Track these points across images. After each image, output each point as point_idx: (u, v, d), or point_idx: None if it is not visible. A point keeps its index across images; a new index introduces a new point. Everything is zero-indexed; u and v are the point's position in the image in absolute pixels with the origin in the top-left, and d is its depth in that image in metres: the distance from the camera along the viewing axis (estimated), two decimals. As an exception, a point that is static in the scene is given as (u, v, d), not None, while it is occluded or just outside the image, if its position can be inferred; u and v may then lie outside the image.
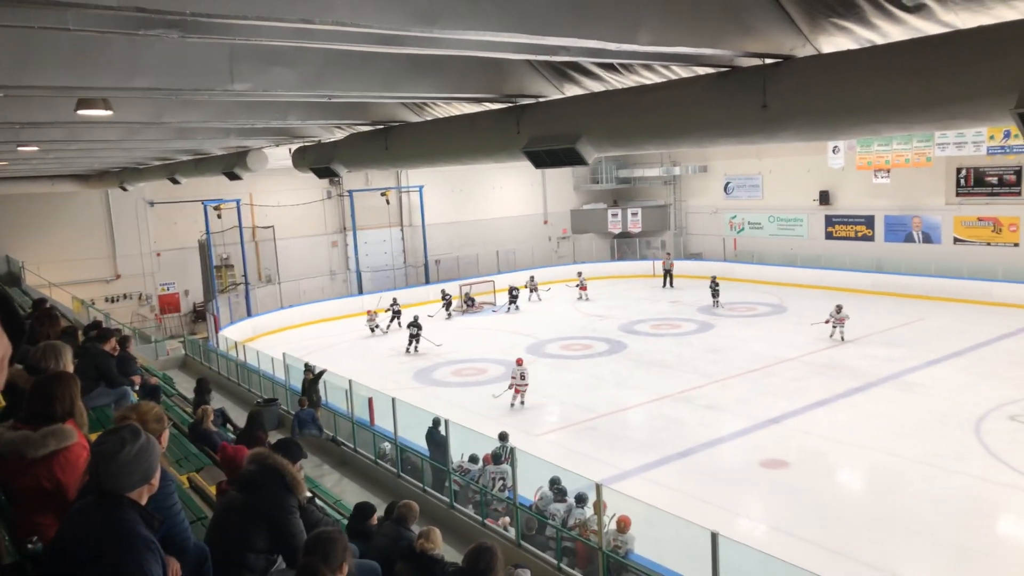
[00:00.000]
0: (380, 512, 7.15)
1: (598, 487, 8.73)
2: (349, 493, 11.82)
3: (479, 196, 36.58)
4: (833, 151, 29.04)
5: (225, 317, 26.06)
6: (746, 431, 14.82)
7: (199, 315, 29.49)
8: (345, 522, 7.34)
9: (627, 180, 39.33)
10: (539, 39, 4.46)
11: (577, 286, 31.04)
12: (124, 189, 24.61)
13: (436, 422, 12.06)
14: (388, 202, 33.22)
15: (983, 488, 11.90)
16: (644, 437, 15.18)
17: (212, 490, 5.86)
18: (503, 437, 11.89)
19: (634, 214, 37.75)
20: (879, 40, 5.08)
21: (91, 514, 2.57)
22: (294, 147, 13.66)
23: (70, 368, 4.44)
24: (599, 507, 8.66)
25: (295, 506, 4.16)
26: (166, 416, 3.92)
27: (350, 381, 14.45)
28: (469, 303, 30.03)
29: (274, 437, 9.58)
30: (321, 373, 15.76)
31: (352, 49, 5.57)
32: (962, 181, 27.64)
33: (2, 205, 25.87)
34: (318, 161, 12.27)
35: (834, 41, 5.30)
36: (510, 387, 16.97)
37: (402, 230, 34.78)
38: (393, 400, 12.44)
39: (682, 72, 6.55)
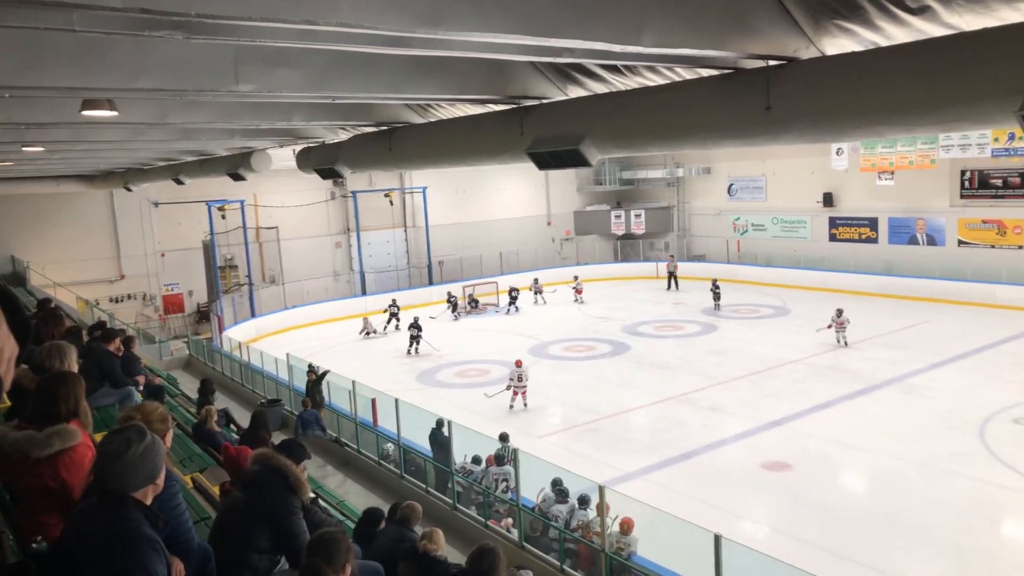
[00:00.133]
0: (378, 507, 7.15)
1: (601, 489, 8.73)
2: (352, 494, 11.82)
3: (482, 197, 36.59)
4: (837, 153, 28.99)
5: (229, 318, 26.10)
6: (749, 433, 14.80)
7: (203, 315, 29.56)
8: (349, 523, 7.35)
9: (630, 182, 39.32)
10: (543, 41, 4.46)
11: (573, 288, 31.02)
12: (128, 189, 24.68)
13: (439, 423, 12.06)
14: (392, 203, 33.26)
15: (986, 491, 11.86)
16: (647, 439, 15.17)
17: (215, 490, 5.87)
18: (503, 438, 11.89)
19: (637, 216, 37.73)
20: (883, 42, 5.08)
21: (96, 514, 2.58)
22: (298, 148, 13.69)
23: (75, 368, 4.46)
24: (602, 509, 8.65)
25: (298, 507, 4.16)
26: (170, 416, 3.93)
27: (353, 382, 14.46)
28: (473, 304, 30.05)
29: (277, 438, 9.61)
30: (324, 374, 15.77)
31: (356, 50, 5.59)
32: (966, 183, 27.58)
33: (7, 205, 25.96)
34: (322, 162, 12.29)
35: (838, 43, 5.29)
36: (507, 388, 16.94)
37: (405, 231, 34.81)
38: (396, 401, 12.44)
39: (686, 74, 6.55)
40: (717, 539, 7.01)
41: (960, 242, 28.04)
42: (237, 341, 22.77)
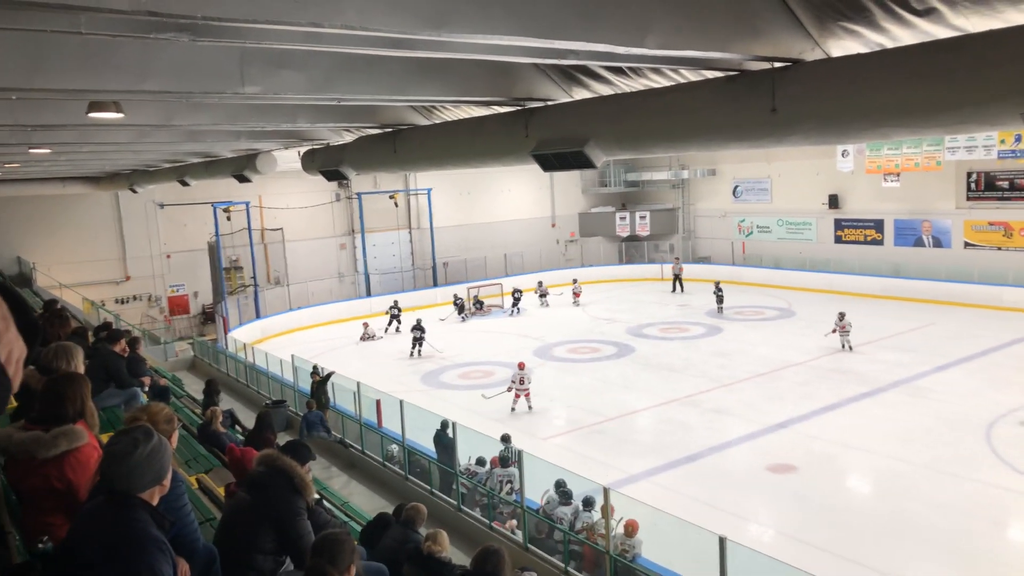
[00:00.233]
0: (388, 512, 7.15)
1: (605, 491, 8.72)
2: (357, 495, 11.83)
3: (487, 199, 36.61)
4: (842, 155, 28.93)
5: (234, 319, 26.16)
6: (754, 435, 14.77)
7: (208, 317, 29.63)
8: (353, 525, 7.35)
9: (635, 183, 39.29)
10: (548, 43, 4.46)
11: (572, 291, 31.00)
12: (134, 191, 24.76)
13: (444, 425, 12.07)
14: (396, 205, 33.30)
15: (992, 494, 11.82)
16: (651, 441, 15.15)
17: (220, 491, 5.88)
18: (505, 439, 11.89)
19: (642, 217, 37.69)
20: (889, 44, 5.07)
21: (102, 514, 2.59)
22: (303, 150, 13.72)
23: (81, 369, 4.47)
24: (606, 511, 8.65)
25: (303, 508, 4.17)
26: (176, 417, 3.94)
27: (358, 383, 14.47)
28: (478, 306, 30.07)
29: (282, 439, 9.63)
30: (329, 375, 15.79)
31: (361, 52, 5.61)
32: (972, 185, 27.50)
33: (14, 207, 26.07)
34: (327, 164, 12.31)
35: (843, 45, 5.28)
36: (508, 389, 16.89)
37: (410, 232, 34.85)
38: (401, 403, 12.45)
39: (691, 76, 6.55)
40: (722, 541, 6.99)
41: (966, 244, 27.95)
42: (242, 342, 22.83)
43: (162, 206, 29.10)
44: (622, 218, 38.07)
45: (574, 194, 39.34)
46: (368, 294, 31.52)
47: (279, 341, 26.06)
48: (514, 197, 37.38)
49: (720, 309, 26.97)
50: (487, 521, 10.33)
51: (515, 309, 29.64)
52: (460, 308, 29.17)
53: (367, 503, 11.03)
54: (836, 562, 9.91)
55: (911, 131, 5.32)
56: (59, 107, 8.15)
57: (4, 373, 1.11)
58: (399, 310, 27.38)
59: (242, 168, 15.80)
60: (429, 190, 33.57)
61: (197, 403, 13.07)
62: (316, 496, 5.03)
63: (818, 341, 21.38)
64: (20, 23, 3.92)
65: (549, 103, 7.84)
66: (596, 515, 9.37)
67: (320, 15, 3.65)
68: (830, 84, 5.33)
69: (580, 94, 7.57)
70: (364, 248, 32.24)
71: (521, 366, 17.04)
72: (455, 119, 9.40)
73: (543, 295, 30.94)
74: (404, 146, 10.19)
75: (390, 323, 26.99)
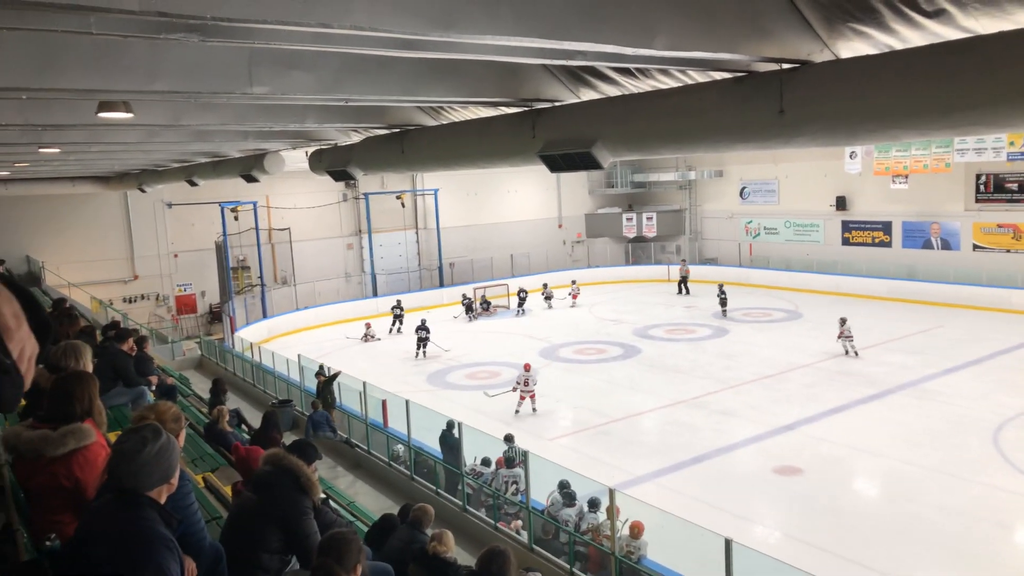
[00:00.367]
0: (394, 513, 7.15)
1: (611, 492, 8.71)
2: (363, 495, 11.85)
3: (494, 200, 36.63)
4: (850, 156, 28.82)
5: (241, 318, 26.23)
6: (760, 437, 14.73)
7: (215, 316, 29.72)
8: (359, 525, 7.36)
9: (642, 184, 39.25)
10: (555, 44, 4.46)
11: (569, 294, 30.94)
12: (143, 191, 24.85)
13: (450, 425, 12.08)
14: (403, 205, 33.36)
15: (1000, 497, 11.76)
16: (657, 442, 15.13)
17: (227, 490, 5.90)
18: (509, 439, 11.88)
19: (649, 218, 37.64)
20: (898, 45, 5.05)
21: (110, 512, 2.60)
22: (311, 150, 13.75)
23: (89, 368, 4.49)
24: (612, 512, 8.64)
25: (309, 507, 4.18)
26: (183, 416, 3.95)
27: (364, 383, 14.50)
28: (485, 306, 30.10)
29: (288, 438, 9.64)
30: (335, 375, 15.82)
31: (369, 53, 5.62)
32: (981, 187, 27.37)
33: (23, 206, 26.21)
34: (334, 164, 12.33)
35: (852, 46, 5.26)
36: (513, 389, 16.84)
37: (417, 233, 34.89)
38: (407, 403, 12.47)
39: (698, 77, 6.54)
40: (728, 543, 6.98)
41: (975, 246, 27.82)
42: (249, 342, 22.89)
43: (170, 206, 29.20)
44: (629, 219, 38.02)
45: (581, 195, 39.31)
46: (375, 294, 31.56)
47: (286, 341, 26.12)
48: (521, 198, 37.38)
49: (724, 312, 26.82)
50: (492, 522, 10.33)
51: (520, 310, 29.65)
52: (468, 307, 29.22)
53: (373, 503, 11.04)
54: (842, 565, 9.88)
55: (920, 133, 5.30)
56: (69, 107, 8.19)
57: (17, 370, 1.12)
58: (402, 310, 27.41)
59: (250, 168, 15.84)
60: (436, 190, 33.61)
61: (204, 402, 13.12)
62: (322, 495, 5.04)
63: (825, 344, 21.30)
64: (30, 23, 3.94)
65: (556, 104, 7.84)
66: (601, 516, 9.36)
67: (329, 16, 3.66)
68: (839, 85, 5.31)
69: (587, 95, 7.57)
70: (371, 248, 32.30)
71: (527, 367, 16.91)
72: (462, 120, 9.41)
73: (548, 297, 30.92)
74: (412, 147, 10.21)
75: (394, 323, 27.02)
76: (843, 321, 20.50)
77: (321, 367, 16.39)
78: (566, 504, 9.80)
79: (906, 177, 28.05)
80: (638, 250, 38.40)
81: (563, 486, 10.04)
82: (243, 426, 12.10)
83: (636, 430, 15.88)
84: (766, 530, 11.23)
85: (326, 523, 4.60)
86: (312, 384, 16.41)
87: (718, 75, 6.26)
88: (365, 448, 13.61)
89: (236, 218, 27.88)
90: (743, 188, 35.58)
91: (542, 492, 10.20)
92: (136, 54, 5.83)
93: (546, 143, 7.84)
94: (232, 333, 24.74)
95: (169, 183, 23.04)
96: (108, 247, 28.52)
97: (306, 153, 14.23)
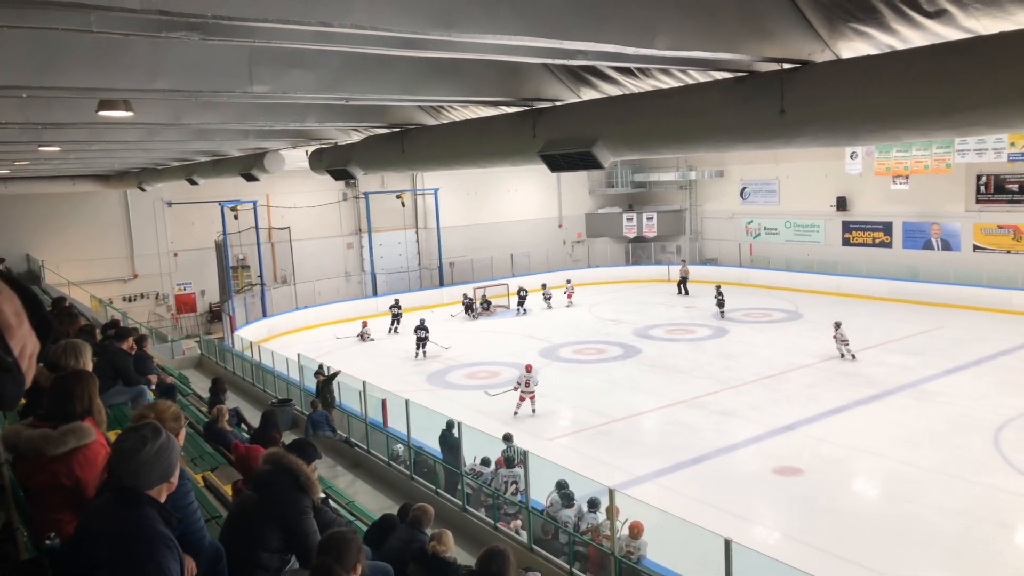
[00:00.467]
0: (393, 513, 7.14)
1: (611, 492, 8.71)
2: (362, 495, 11.85)
3: (494, 199, 36.63)
4: (851, 157, 28.81)
5: (241, 317, 26.23)
6: (760, 438, 14.73)
7: (215, 315, 29.72)
8: (359, 524, 7.36)
9: (643, 184, 39.25)
10: (556, 43, 4.46)
11: (564, 293, 30.94)
12: (142, 189, 24.86)
13: (449, 425, 12.08)
14: (403, 204, 33.36)
15: (1000, 498, 11.76)
16: (657, 442, 15.13)
17: (226, 489, 5.90)
18: (507, 438, 11.87)
19: (649, 218, 37.64)
20: (899, 45, 5.04)
21: (110, 511, 2.60)
22: (311, 149, 13.74)
23: (89, 366, 4.49)
24: (612, 512, 8.64)
25: (309, 506, 4.18)
26: (183, 415, 3.95)
27: (364, 383, 14.49)
28: (485, 306, 30.10)
29: (288, 438, 9.64)
30: (335, 374, 15.82)
31: (370, 52, 5.62)
32: (982, 188, 27.36)
33: (23, 204, 26.21)
34: (334, 163, 12.33)
35: (853, 46, 5.26)
36: (514, 389, 16.81)
37: (417, 232, 34.89)
38: (407, 402, 12.46)
39: (699, 77, 6.53)
40: (728, 544, 6.98)
41: (975, 247, 27.82)
42: (248, 341, 22.89)
43: (170, 204, 29.20)
44: (629, 219, 38.02)
45: (581, 195, 39.31)
46: (375, 294, 31.56)
47: (285, 340, 26.12)
48: (521, 197, 37.38)
49: (722, 313, 26.69)
50: (492, 521, 10.33)
51: (521, 309, 29.66)
52: (468, 307, 29.23)
53: (372, 502, 11.04)
54: (842, 565, 9.88)
55: (921, 133, 5.29)
56: (69, 105, 8.18)
57: (18, 368, 1.11)
58: (400, 309, 27.39)
59: (250, 167, 15.84)
60: (436, 190, 33.61)
61: (203, 401, 13.12)
62: (322, 495, 5.04)
63: (825, 344, 21.25)
64: (31, 21, 3.94)
65: (557, 103, 7.84)
66: (601, 516, 9.36)
67: (330, 15, 3.65)
68: (839, 85, 5.31)
69: (588, 94, 7.56)
70: (371, 247, 32.29)
71: (529, 368, 16.82)
72: (463, 119, 9.41)
73: (547, 297, 30.92)
74: (412, 146, 10.21)
75: (392, 322, 26.99)
76: (837, 325, 20.29)
77: (320, 366, 16.39)
78: (564, 505, 9.80)
79: (907, 178, 28.06)
80: (638, 250, 38.41)
81: (561, 486, 10.04)
82: (242, 425, 12.10)
83: (636, 430, 15.88)
84: (766, 530, 11.23)
85: (326, 522, 4.60)
86: (311, 383, 16.41)
87: (719, 75, 6.26)
88: (365, 447, 13.61)
89: (236, 217, 27.88)
90: (743, 188, 35.58)
91: (542, 492, 10.20)
92: (137, 53, 5.82)
93: (547, 142, 7.84)
94: (232, 332, 24.74)
95: (169, 182, 23.03)
96: (108, 246, 28.52)
97: (306, 152, 14.23)
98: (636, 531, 8.80)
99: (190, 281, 30.26)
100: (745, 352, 21.53)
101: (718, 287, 27.72)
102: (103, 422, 3.68)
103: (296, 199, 31.15)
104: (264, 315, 28.07)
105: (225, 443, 8.07)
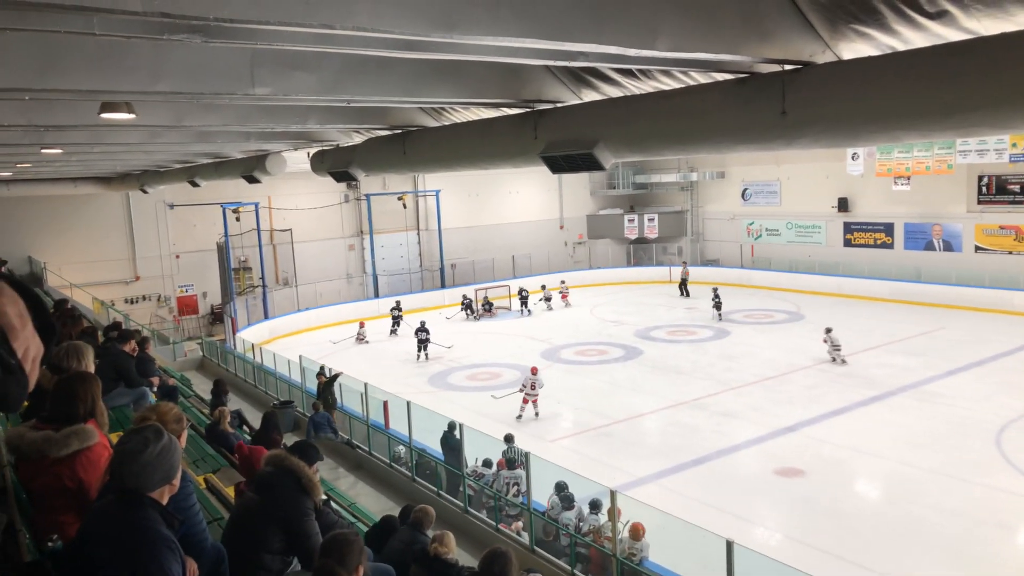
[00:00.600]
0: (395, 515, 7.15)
1: (612, 493, 8.71)
2: (364, 496, 11.85)
3: (495, 201, 36.64)
4: (852, 158, 28.80)
5: (242, 319, 26.24)
6: (761, 439, 14.72)
7: (217, 317, 29.74)
8: (360, 526, 7.36)
9: (644, 186, 39.25)
10: (558, 45, 4.46)
11: (559, 294, 30.93)
12: (144, 191, 24.88)
13: (451, 426, 12.07)
14: (405, 206, 33.35)
15: (1001, 499, 11.74)
16: (659, 444, 15.12)
17: (228, 491, 5.90)
18: (509, 439, 11.86)
19: (651, 220, 37.64)
20: (900, 47, 5.04)
21: (112, 513, 2.60)
22: (312, 151, 13.76)
23: (91, 368, 4.49)
24: (613, 514, 8.63)
25: (310, 508, 4.18)
26: (185, 417, 3.95)
27: (365, 384, 14.50)
28: (486, 307, 30.10)
29: (289, 440, 9.65)
30: (336, 376, 15.82)
31: (371, 54, 5.62)
32: (984, 189, 27.35)
33: (25, 206, 26.24)
34: (336, 165, 12.34)
35: (854, 48, 5.26)
36: (520, 390, 16.81)
37: (418, 234, 34.90)
38: (408, 404, 12.46)
39: (700, 78, 6.53)
40: (729, 545, 6.97)
41: (977, 248, 27.80)
42: (250, 343, 22.90)
43: (172, 206, 29.22)
44: (630, 220, 38.03)
45: (582, 196, 39.31)
46: (376, 295, 31.57)
47: (287, 342, 26.14)
48: (522, 199, 37.38)
49: (720, 316, 26.50)
50: (494, 523, 10.33)
51: (526, 309, 29.66)
52: (468, 308, 29.22)
53: (374, 504, 11.04)
54: (843, 566, 9.87)
55: (923, 134, 5.29)
56: (71, 108, 8.20)
57: (21, 370, 1.12)
58: (400, 311, 27.39)
59: (252, 169, 15.86)
60: (437, 191, 33.62)
61: (205, 403, 13.11)
62: (323, 496, 5.04)
63: (826, 344, 21.26)
64: (33, 24, 3.95)
65: (558, 105, 7.84)
66: (603, 518, 9.35)
67: (331, 17, 3.66)
68: (841, 87, 5.31)
69: (589, 96, 7.57)
70: (372, 249, 32.31)
71: (534, 371, 16.76)
72: (464, 121, 9.42)
73: (547, 299, 30.91)
74: (413, 148, 10.22)
75: (393, 324, 26.97)
76: (828, 331, 20.17)
77: (322, 368, 16.39)
78: (564, 507, 9.79)
79: (908, 178, 28.03)
80: (640, 251, 38.40)
81: (560, 488, 10.03)
82: (244, 427, 12.09)
83: (637, 431, 15.87)
84: (767, 532, 11.22)
85: (327, 524, 4.60)
86: (313, 385, 16.41)
87: (720, 76, 6.26)
88: (366, 449, 13.61)
89: (238, 219, 27.88)
90: (745, 189, 35.57)
91: (543, 494, 10.19)
92: (139, 55, 5.83)
93: (548, 144, 7.84)
94: (233, 334, 24.74)
95: (171, 184, 23.06)
96: (110, 248, 28.55)
97: (308, 154, 14.24)
98: (638, 532, 8.79)
99: (192, 283, 30.28)
100: (746, 353, 21.52)
101: (715, 289, 27.66)
102: (106, 424, 3.68)
103: (298, 201, 31.18)
104: (266, 317, 28.08)
105: (227, 445, 8.07)
